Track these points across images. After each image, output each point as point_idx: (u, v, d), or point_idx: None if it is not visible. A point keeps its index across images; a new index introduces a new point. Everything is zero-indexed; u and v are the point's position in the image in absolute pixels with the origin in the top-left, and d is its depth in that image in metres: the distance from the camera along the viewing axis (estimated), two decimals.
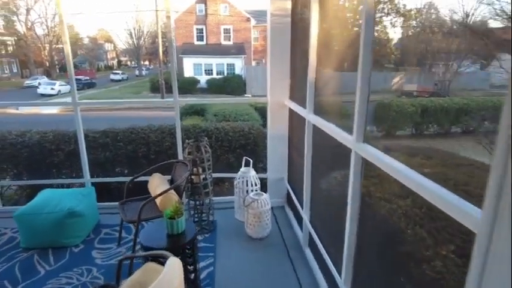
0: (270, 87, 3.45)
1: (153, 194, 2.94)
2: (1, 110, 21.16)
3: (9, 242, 3.21)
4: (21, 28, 41.13)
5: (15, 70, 41.09)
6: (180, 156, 3.68)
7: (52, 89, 27.48)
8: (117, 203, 2.95)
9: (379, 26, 8.30)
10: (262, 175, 3.76)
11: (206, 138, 3.24)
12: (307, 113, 2.61)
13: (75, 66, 47.57)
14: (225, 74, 28.52)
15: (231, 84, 26.40)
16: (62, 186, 4.42)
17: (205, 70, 28.72)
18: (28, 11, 40.52)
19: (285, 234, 3.26)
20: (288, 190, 3.65)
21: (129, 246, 3.08)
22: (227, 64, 28.79)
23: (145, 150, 4.39)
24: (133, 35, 46.05)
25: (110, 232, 3.35)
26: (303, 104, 2.78)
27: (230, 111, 6.84)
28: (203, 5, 29.40)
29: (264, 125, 5.80)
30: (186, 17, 29.37)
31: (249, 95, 25.63)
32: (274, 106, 3.49)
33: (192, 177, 3.18)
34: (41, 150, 4.31)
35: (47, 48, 41.74)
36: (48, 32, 42.10)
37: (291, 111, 3.41)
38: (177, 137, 3.66)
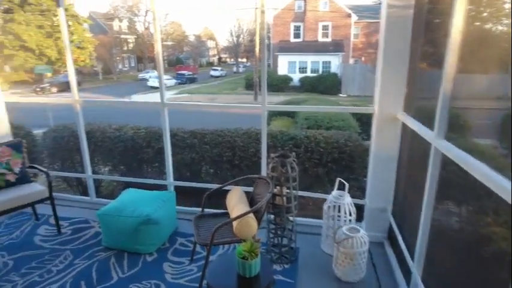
0: (380, 94, 2.77)
1: (230, 212, 2.60)
2: (114, 99, 24.44)
3: (94, 237, 3.25)
4: (140, 28, 46.82)
5: (133, 64, 47.03)
6: (264, 169, 3.28)
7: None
8: (196, 210, 2.68)
9: None
10: (359, 201, 3.12)
11: (294, 154, 2.74)
12: (434, 137, 1.90)
13: (181, 62, 52.34)
14: (320, 72, 27.59)
15: (325, 83, 25.38)
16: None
17: (299, 68, 28.26)
18: (146, 12, 45.82)
19: (383, 283, 2.58)
20: (390, 225, 2.93)
21: (200, 265, 2.81)
22: (323, 62, 27.81)
23: (230, 155, 4.12)
24: (233, 33, 48.13)
25: (185, 243, 3.14)
26: (427, 122, 2.07)
27: (323, 116, 6.22)
28: (302, 2, 28.88)
29: (364, 136, 5.01)
30: (284, 14, 29.27)
31: (344, 95, 24.28)
32: (382, 118, 2.80)
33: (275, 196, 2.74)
34: (133, 145, 4.41)
35: None
36: (160, 30, 46.92)
37: (405, 127, 2.68)
38: (263, 147, 3.26)
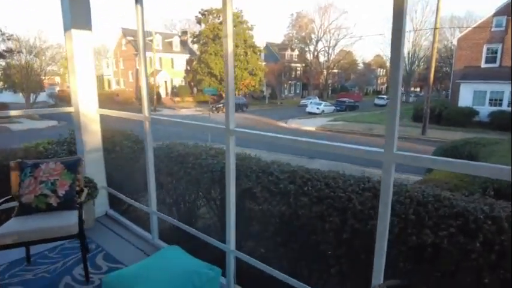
0: None
1: None
2: (271, 121, 25.24)
3: None
4: (309, 56, 48.66)
5: (297, 91, 49.17)
6: (380, 274, 1.58)
7: (317, 108, 30.17)
8: None
9: None
10: None
11: None
12: None
13: (345, 89, 51.24)
14: None
15: None
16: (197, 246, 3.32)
17: (490, 99, 22.33)
18: (317, 42, 47.28)
19: None
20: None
21: None
22: None
23: (338, 223, 2.50)
24: (407, 60, 43.78)
25: None
26: None
27: None
28: (503, 18, 22.96)
29: None
30: (474, 34, 23.99)
31: None
32: None
33: None
34: (220, 179, 3.40)
35: (324, 72, 47.09)
36: (328, 58, 47.44)
37: None
38: (378, 231, 1.59)
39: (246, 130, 2.13)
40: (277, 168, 3.14)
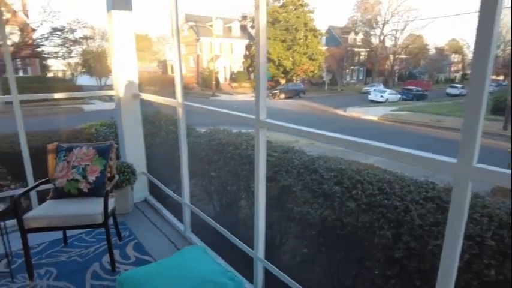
0: None
1: None
2: (329, 109, 24.13)
3: None
4: (374, 40, 45.55)
5: (360, 77, 46.53)
6: None
7: (381, 96, 28.20)
8: None
9: None
10: None
11: None
12: None
13: (413, 76, 47.20)
14: None
15: None
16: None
17: None
18: (383, 25, 43.96)
19: None
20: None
21: None
22: None
23: (390, 237, 2.06)
24: None
25: None
26: None
27: None
28: None
29: None
30: None
31: None
32: None
33: None
34: None
35: (391, 58, 43.81)
36: (395, 43, 43.95)
37: None
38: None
39: (278, 122, 1.78)
40: (323, 165, 2.74)
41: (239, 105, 20.83)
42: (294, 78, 35.58)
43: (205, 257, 2.03)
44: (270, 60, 34.10)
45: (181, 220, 3.18)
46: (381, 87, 33.88)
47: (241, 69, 39.41)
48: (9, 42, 17.43)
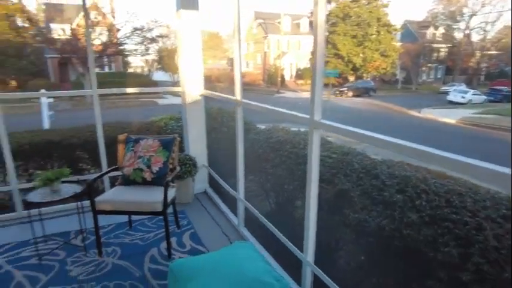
0: None
1: None
2: (401, 109, 22.46)
3: None
4: (457, 35, 41.24)
5: (439, 76, 42.59)
6: None
7: (463, 97, 25.51)
8: None
9: None
10: None
11: None
12: None
13: (505, 75, 41.64)
14: None
15: None
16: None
17: None
18: (471, 17, 39.50)
19: None
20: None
21: None
22: None
23: (456, 256, 1.83)
24: None
25: None
26: None
27: None
28: None
29: None
30: None
31: None
32: None
33: None
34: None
35: (477, 54, 39.26)
36: (484, 37, 39.22)
37: None
38: None
39: (333, 123, 1.69)
40: (386, 170, 2.55)
41: (303, 102, 20.59)
42: (364, 75, 33.98)
43: (254, 254, 2.04)
44: (339, 56, 33.07)
45: (236, 214, 3.25)
46: (463, 86, 30.62)
47: (308, 65, 38.85)
48: (98, 42, 19.58)
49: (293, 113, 2.04)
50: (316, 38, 1.64)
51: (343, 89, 28.74)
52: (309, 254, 2.04)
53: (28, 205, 2.54)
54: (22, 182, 3.53)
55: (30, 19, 21.63)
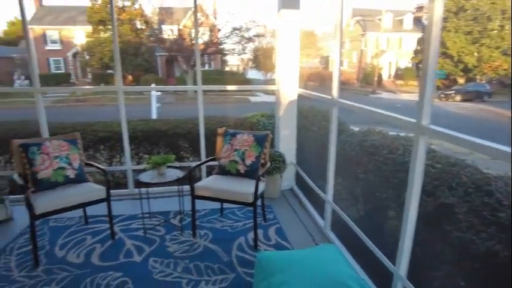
0: None
1: None
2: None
3: None
4: None
5: None
6: None
7: None
8: None
9: None
10: None
11: None
12: None
13: None
14: None
15: None
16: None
17: None
18: None
19: None
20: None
21: None
22: None
23: None
24: None
25: None
26: None
27: None
28: None
29: None
30: None
31: None
32: None
33: None
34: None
35: None
36: None
37: None
38: None
39: (446, 130, 1.53)
40: (503, 188, 2.22)
41: (402, 105, 19.05)
42: (477, 77, 29.75)
43: (340, 258, 1.99)
44: (447, 55, 29.57)
45: (321, 215, 3.21)
46: None
47: (410, 65, 35.75)
48: (200, 41, 21.33)
49: (396, 115, 1.91)
50: (430, 35, 1.51)
51: (450, 92, 25.63)
52: (401, 268, 1.90)
53: (139, 184, 2.92)
54: (133, 164, 4.09)
55: (146, 22, 24.81)
